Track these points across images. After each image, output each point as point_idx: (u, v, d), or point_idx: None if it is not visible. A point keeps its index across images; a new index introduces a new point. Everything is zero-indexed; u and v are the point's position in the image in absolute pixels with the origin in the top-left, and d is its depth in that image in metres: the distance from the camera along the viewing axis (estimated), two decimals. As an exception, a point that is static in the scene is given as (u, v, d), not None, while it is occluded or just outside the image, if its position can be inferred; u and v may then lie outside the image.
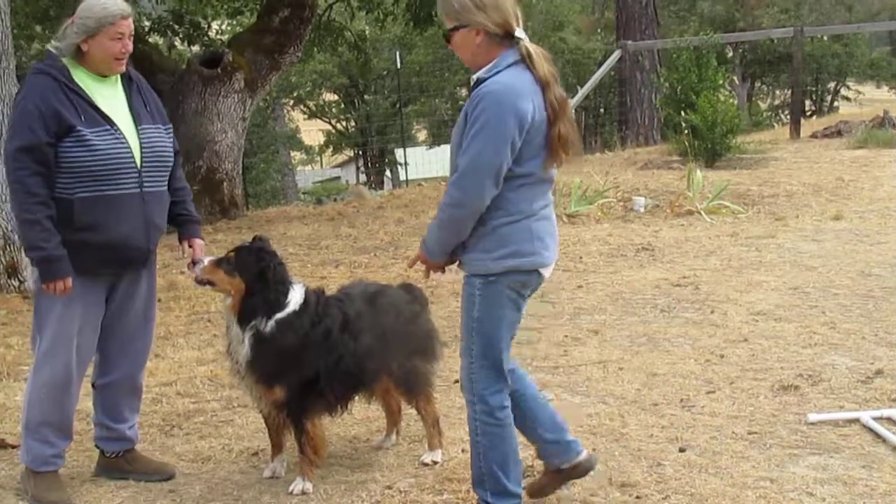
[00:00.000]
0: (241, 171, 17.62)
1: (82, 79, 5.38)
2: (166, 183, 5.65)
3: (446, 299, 9.65)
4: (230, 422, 6.62)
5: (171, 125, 5.79)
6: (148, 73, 16.87)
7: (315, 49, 22.96)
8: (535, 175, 4.65)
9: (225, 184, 16.26)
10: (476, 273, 4.72)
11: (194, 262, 5.58)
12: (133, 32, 5.49)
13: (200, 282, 5.53)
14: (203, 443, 6.32)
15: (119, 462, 5.91)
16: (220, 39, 23.71)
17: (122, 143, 5.35)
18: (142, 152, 5.43)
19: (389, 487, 5.47)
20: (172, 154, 5.69)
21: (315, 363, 5.41)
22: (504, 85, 4.53)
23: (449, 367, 7.42)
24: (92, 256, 5.34)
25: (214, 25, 25.39)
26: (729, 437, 5.97)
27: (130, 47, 5.45)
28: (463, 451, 5.90)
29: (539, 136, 4.59)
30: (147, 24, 21.07)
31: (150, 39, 20.89)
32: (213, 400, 7.08)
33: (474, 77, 4.70)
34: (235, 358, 5.46)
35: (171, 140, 5.70)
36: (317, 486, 5.41)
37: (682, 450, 5.80)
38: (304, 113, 50.96)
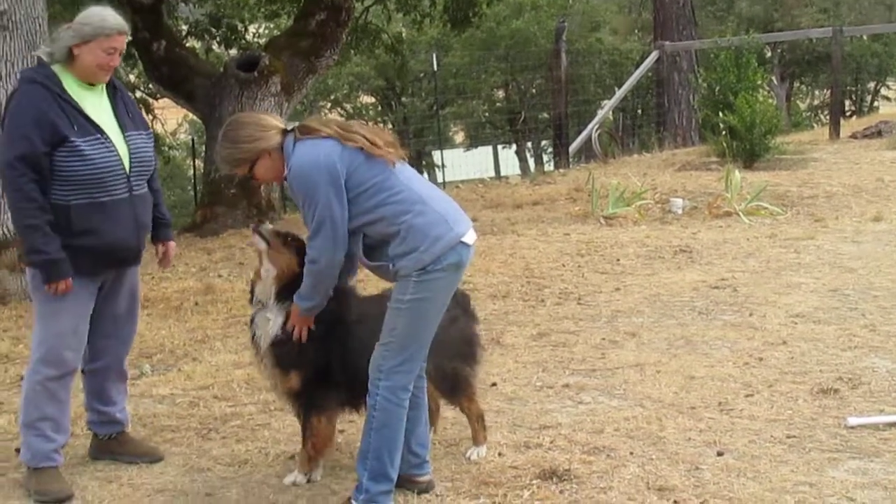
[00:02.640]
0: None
1: (71, 87, 5.60)
2: (147, 184, 5.90)
3: (483, 302, 9.63)
4: (267, 425, 6.62)
5: (151, 131, 6.07)
6: (185, 78, 17.08)
7: (352, 52, 22.99)
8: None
9: (262, 187, 16.27)
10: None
11: (260, 223, 5.73)
12: (124, 51, 5.75)
13: (259, 233, 5.62)
14: (240, 446, 6.33)
15: (111, 444, 6.18)
16: (257, 43, 23.75)
17: (112, 151, 5.60)
18: (130, 158, 5.69)
19: (426, 492, 5.46)
20: (153, 158, 5.96)
21: (332, 356, 5.49)
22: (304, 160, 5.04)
23: (485, 370, 7.41)
24: (89, 259, 5.59)
25: (251, 29, 25.42)
26: (767, 441, 5.94)
27: (117, 63, 5.68)
28: (500, 454, 5.90)
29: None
30: (184, 28, 21.16)
31: (188, 43, 20.96)
32: (250, 403, 7.08)
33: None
34: (259, 339, 5.58)
35: (152, 145, 5.96)
36: (350, 488, 5.40)
37: (720, 454, 5.77)
38: (342, 115, 51.07)
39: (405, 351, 5.09)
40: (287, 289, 5.45)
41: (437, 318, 5.17)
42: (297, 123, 5.24)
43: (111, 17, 5.57)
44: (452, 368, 5.78)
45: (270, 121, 5.27)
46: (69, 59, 5.58)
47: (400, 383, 5.11)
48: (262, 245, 5.60)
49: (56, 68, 5.60)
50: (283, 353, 5.50)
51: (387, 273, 5.13)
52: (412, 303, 5.02)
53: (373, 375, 5.13)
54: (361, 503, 5.14)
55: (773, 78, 38.04)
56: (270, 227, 5.67)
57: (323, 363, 5.48)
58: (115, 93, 5.81)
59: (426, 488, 5.48)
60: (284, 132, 5.19)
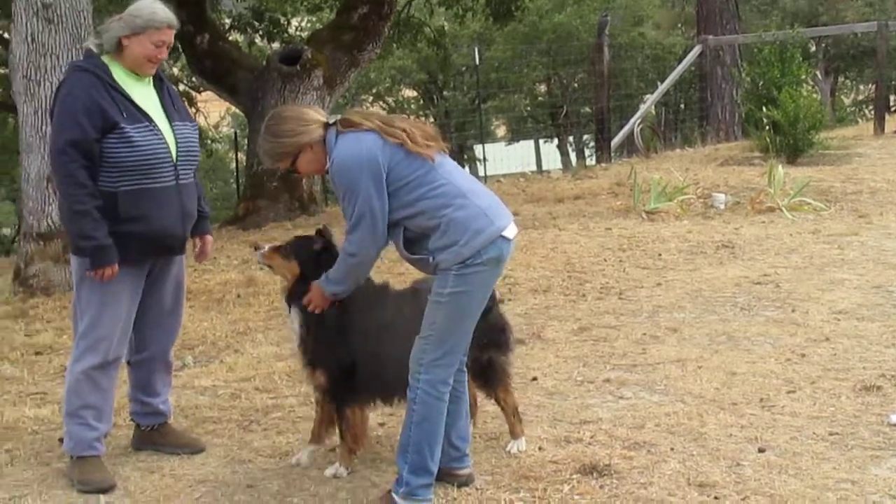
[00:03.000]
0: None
1: (120, 76, 5.68)
2: (193, 174, 5.96)
3: (523, 296, 9.63)
4: (308, 417, 6.62)
5: (196, 123, 6.17)
6: (228, 71, 17.15)
7: (394, 45, 23.01)
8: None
9: (304, 180, 16.32)
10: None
11: (256, 248, 5.85)
12: (172, 44, 5.81)
13: (260, 260, 5.87)
14: (281, 438, 6.35)
15: (153, 435, 6.23)
16: (300, 36, 23.86)
17: (160, 138, 5.66)
18: (177, 147, 5.75)
19: (465, 485, 5.46)
20: (199, 149, 6.03)
21: (357, 351, 5.53)
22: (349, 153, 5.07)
23: (526, 364, 7.43)
24: (136, 246, 5.64)
25: (294, 22, 25.53)
26: (809, 438, 5.90)
27: (165, 56, 5.76)
28: (540, 448, 5.89)
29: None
30: (227, 21, 21.24)
31: (231, 37, 21.05)
32: (291, 395, 7.11)
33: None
34: (292, 340, 5.72)
35: (198, 136, 6.04)
36: (390, 481, 5.41)
37: (761, 450, 5.74)
38: (384, 109, 51.10)
39: (445, 344, 5.09)
40: (298, 292, 5.58)
41: (477, 312, 5.17)
42: (338, 116, 5.25)
43: (161, 11, 5.64)
44: (488, 359, 5.79)
45: (312, 114, 5.30)
46: (118, 49, 5.65)
47: (440, 377, 5.12)
48: (270, 269, 5.87)
49: (105, 58, 5.68)
50: (307, 353, 5.61)
51: (426, 266, 5.13)
52: (452, 296, 5.03)
53: (413, 369, 5.14)
54: (402, 496, 5.14)
55: (818, 73, 37.77)
56: (266, 248, 5.79)
57: (350, 359, 5.54)
58: (161, 84, 5.88)
59: (466, 482, 5.47)
60: (326, 125, 5.21)
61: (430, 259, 5.06)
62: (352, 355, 5.53)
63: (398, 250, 5.20)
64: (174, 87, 6.21)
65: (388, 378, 5.56)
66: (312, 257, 5.57)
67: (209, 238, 6.23)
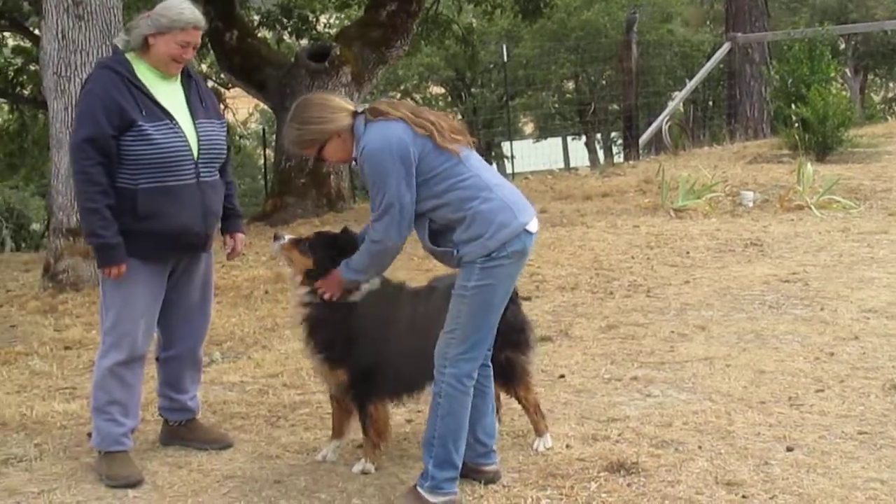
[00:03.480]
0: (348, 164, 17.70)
1: (144, 73, 5.69)
2: (218, 172, 5.95)
3: (551, 293, 9.62)
4: (335, 414, 6.66)
5: (225, 121, 6.14)
6: (256, 67, 17.19)
7: (422, 42, 23.02)
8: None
9: (332, 177, 16.37)
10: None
11: (276, 238, 5.82)
12: (199, 45, 5.82)
13: (281, 253, 5.84)
14: (308, 434, 6.37)
15: (181, 431, 6.26)
16: (328, 33, 23.86)
17: (180, 136, 5.65)
18: (199, 145, 5.74)
19: (492, 482, 5.46)
20: (226, 147, 6.01)
21: (376, 349, 5.53)
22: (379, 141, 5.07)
23: (553, 361, 7.42)
24: (155, 243, 5.65)
25: (322, 19, 25.54)
26: (838, 437, 5.88)
27: (190, 56, 5.77)
28: (567, 446, 5.89)
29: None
30: (256, 18, 21.29)
31: (259, 34, 21.09)
32: (319, 392, 7.12)
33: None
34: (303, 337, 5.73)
35: (225, 134, 6.02)
36: (417, 477, 5.42)
37: (789, 449, 5.72)
38: (411, 106, 50.94)
39: (470, 338, 5.11)
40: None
41: (501, 306, 5.18)
42: (366, 105, 5.28)
43: (188, 11, 5.64)
44: (506, 358, 5.78)
45: (340, 102, 5.32)
46: (144, 47, 5.68)
47: (465, 371, 5.14)
48: (285, 263, 5.90)
49: (130, 55, 5.70)
50: (324, 352, 5.63)
51: (451, 259, 5.15)
52: (476, 289, 5.04)
53: (438, 363, 5.17)
54: (427, 490, 5.15)
55: (847, 70, 37.60)
56: (286, 239, 5.79)
57: (370, 357, 5.55)
58: (190, 81, 5.88)
59: (492, 478, 5.48)
60: (354, 114, 5.23)
61: (455, 252, 5.09)
62: (371, 353, 5.54)
63: (422, 242, 5.23)
64: (206, 84, 6.22)
65: (407, 374, 5.60)
66: (331, 257, 5.55)
67: (240, 236, 6.23)
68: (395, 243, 5.11)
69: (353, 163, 5.23)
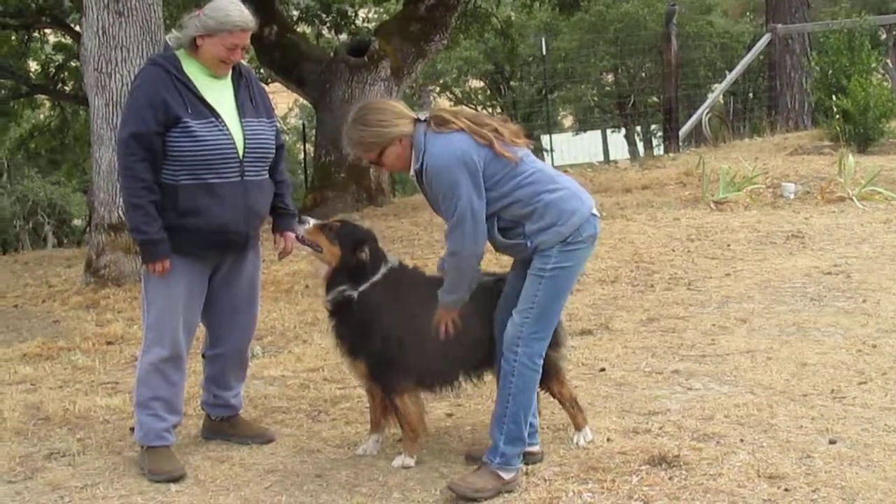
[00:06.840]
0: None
1: (192, 71, 5.71)
2: (267, 172, 5.95)
3: (591, 286, 9.60)
4: (376, 408, 6.68)
5: (275, 119, 6.11)
6: (295, 62, 17.22)
7: (461, 36, 23.01)
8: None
9: (371, 171, 16.37)
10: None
11: (300, 221, 5.87)
12: (248, 46, 5.86)
13: (302, 241, 5.87)
14: (349, 428, 6.39)
15: (222, 426, 6.31)
16: (367, 28, 23.89)
17: (226, 134, 5.66)
18: (245, 143, 5.74)
19: (532, 475, 5.46)
20: (274, 146, 5.98)
21: (396, 342, 5.58)
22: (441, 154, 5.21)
23: (594, 354, 7.42)
24: (195, 239, 5.67)
25: (361, 14, 25.59)
26: (881, 430, 5.84)
27: (239, 58, 5.77)
28: (608, 440, 5.87)
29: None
30: (295, 13, 21.33)
31: (298, 29, 21.14)
32: (359, 386, 7.12)
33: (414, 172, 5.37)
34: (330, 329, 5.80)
35: (274, 133, 6.00)
36: (458, 472, 5.42)
37: (832, 442, 5.69)
38: (451, 100, 51.05)
39: (542, 318, 5.30)
40: (337, 276, 5.70)
41: (570, 289, 5.49)
42: (428, 114, 5.37)
43: (236, 14, 5.63)
44: None
45: (402, 109, 5.42)
46: (192, 47, 5.71)
47: (537, 350, 5.33)
48: (307, 249, 5.93)
49: (180, 53, 5.74)
50: (346, 343, 5.70)
51: (522, 251, 5.32)
52: (555, 271, 5.26)
53: (510, 342, 5.31)
54: (498, 466, 5.27)
55: (888, 61, 37.29)
56: (311, 223, 5.81)
57: (387, 347, 5.58)
58: (240, 79, 5.89)
59: (537, 459, 5.61)
60: (416, 122, 5.34)
61: (528, 244, 5.29)
62: (389, 343, 5.58)
63: (492, 240, 5.34)
64: (262, 84, 6.22)
65: (436, 365, 5.64)
66: (356, 242, 5.68)
67: (291, 236, 6.16)
68: (472, 252, 5.25)
69: (414, 176, 5.33)
